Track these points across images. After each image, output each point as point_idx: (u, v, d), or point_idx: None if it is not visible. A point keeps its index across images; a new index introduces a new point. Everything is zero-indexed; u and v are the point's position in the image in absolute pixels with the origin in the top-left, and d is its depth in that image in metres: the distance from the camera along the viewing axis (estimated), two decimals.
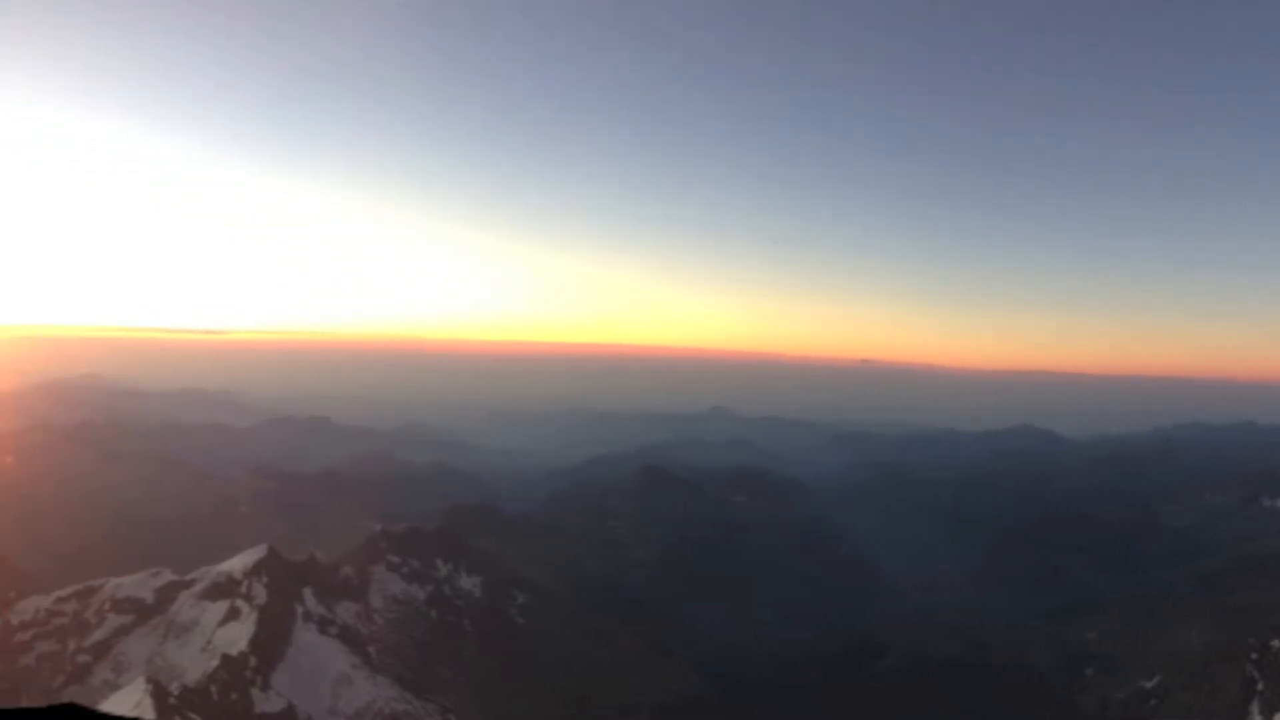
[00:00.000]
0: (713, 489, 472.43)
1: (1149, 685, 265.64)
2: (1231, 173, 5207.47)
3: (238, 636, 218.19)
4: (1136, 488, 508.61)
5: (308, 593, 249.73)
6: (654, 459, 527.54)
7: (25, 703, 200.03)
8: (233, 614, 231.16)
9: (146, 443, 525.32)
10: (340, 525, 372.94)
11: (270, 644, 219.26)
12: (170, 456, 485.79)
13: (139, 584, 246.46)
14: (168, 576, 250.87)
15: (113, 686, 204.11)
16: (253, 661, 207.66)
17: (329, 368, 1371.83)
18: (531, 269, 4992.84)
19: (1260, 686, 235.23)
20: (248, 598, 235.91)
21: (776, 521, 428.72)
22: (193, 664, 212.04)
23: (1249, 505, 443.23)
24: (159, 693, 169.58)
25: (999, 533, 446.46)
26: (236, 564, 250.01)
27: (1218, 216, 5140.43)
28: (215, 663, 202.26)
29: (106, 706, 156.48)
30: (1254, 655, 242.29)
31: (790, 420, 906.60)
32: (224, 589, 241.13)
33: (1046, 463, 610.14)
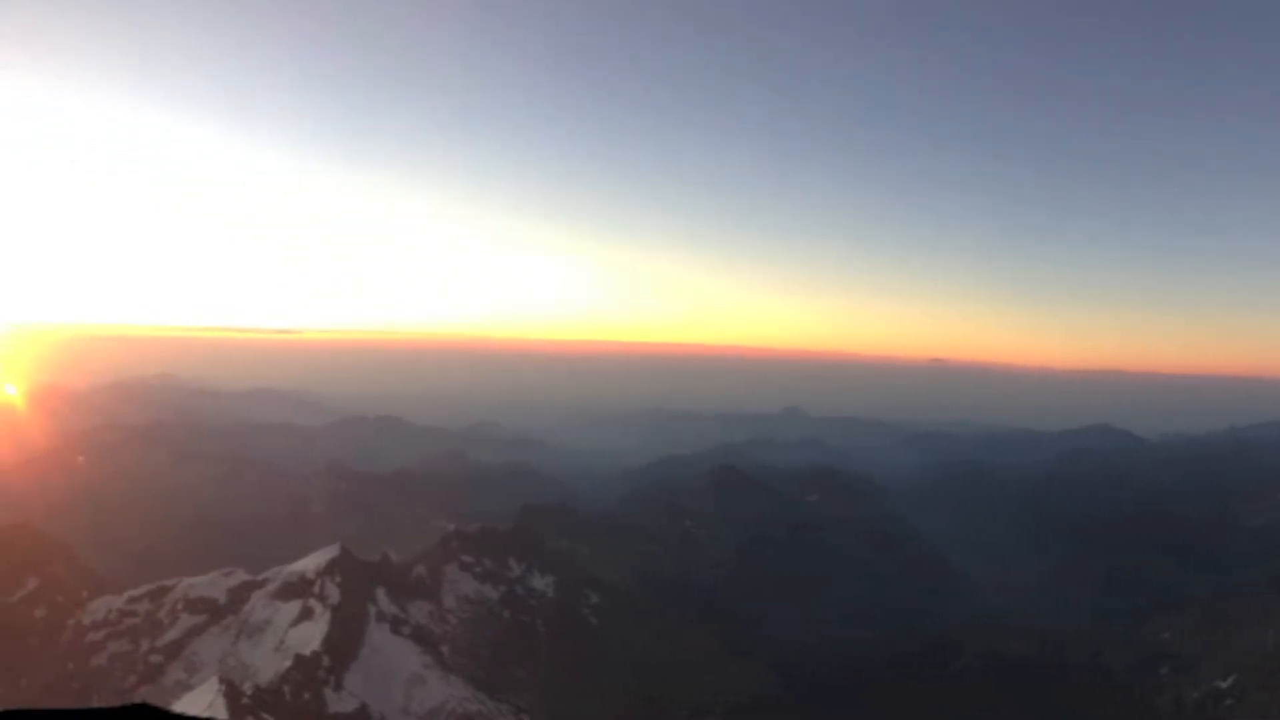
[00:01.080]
0: (786, 489, 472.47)
1: (1224, 685, 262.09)
2: None
3: (311, 636, 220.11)
4: (1212, 487, 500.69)
5: (381, 592, 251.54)
6: (728, 459, 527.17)
7: (97, 703, 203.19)
8: (306, 614, 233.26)
9: (219, 442, 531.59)
10: (413, 525, 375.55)
11: (343, 644, 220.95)
12: (243, 456, 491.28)
13: (212, 584, 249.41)
14: (240, 576, 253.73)
15: (185, 687, 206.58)
16: (326, 661, 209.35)
17: (401, 367, 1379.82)
18: (606, 268, 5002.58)
19: None
20: (321, 597, 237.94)
21: (850, 521, 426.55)
22: (265, 664, 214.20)
23: None
24: (232, 693, 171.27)
25: (1074, 532, 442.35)
26: (309, 564, 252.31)
27: None
28: (288, 663, 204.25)
29: (179, 707, 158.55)
30: None
31: (863, 420, 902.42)
32: (297, 589, 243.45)
33: (1121, 462, 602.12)
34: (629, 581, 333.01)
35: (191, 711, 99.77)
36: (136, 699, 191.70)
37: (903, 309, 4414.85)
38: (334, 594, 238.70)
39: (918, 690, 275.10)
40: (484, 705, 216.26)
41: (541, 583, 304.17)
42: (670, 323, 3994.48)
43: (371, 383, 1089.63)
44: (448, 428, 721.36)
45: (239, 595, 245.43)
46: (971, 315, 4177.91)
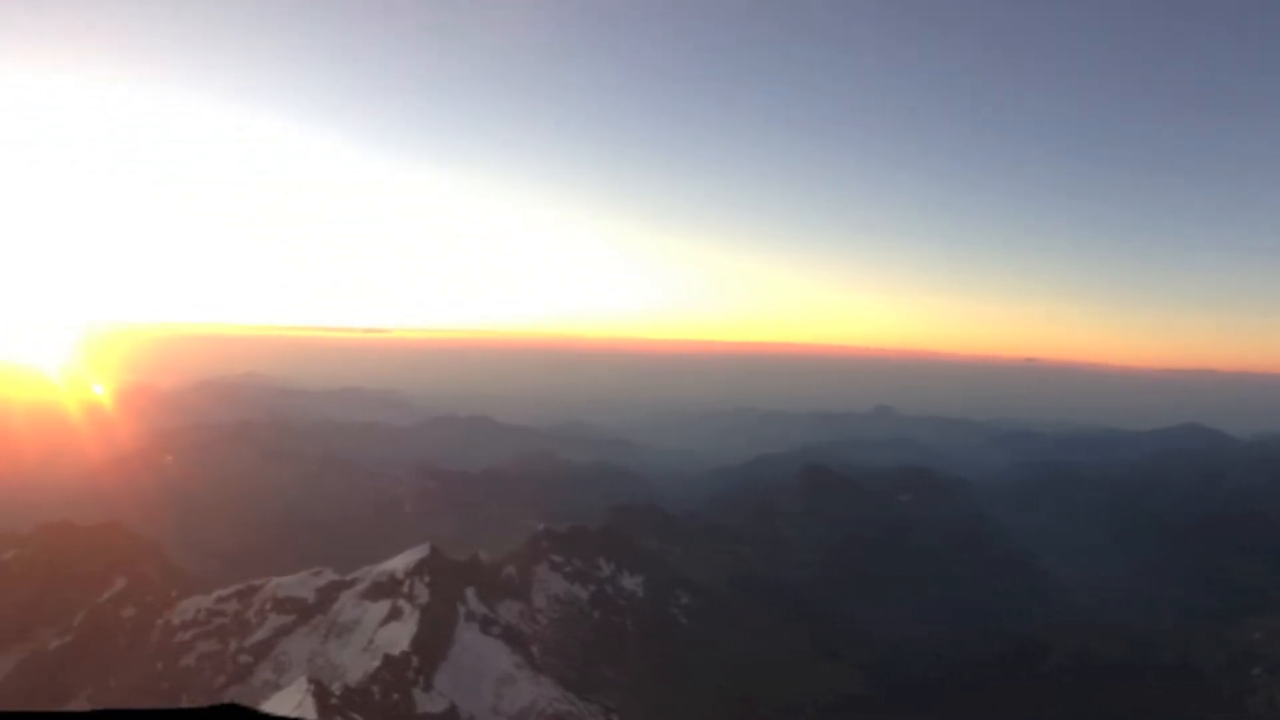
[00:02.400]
0: (876, 488, 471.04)
1: None
2: None
3: (400, 636, 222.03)
4: None
5: (470, 592, 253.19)
6: (818, 458, 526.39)
7: (186, 703, 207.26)
8: (395, 614, 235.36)
9: (307, 442, 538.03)
10: (502, 524, 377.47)
11: (432, 644, 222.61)
12: (331, 455, 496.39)
13: (300, 583, 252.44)
14: (329, 576, 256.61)
15: (274, 687, 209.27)
16: (415, 661, 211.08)
17: (490, 366, 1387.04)
18: (695, 267, 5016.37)
19: None
20: (410, 597, 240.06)
21: (940, 521, 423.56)
22: (354, 664, 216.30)
23: None
24: (321, 693, 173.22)
25: (1165, 532, 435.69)
26: (399, 563, 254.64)
27: None
28: (377, 663, 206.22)
29: (268, 707, 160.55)
30: None
31: (953, 419, 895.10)
32: (386, 588, 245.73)
33: (1213, 462, 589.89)
34: (718, 581, 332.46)
35: (280, 711, 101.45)
36: (225, 699, 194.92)
37: (995, 308, 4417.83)
38: (423, 594, 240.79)
39: (1007, 690, 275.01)
40: (574, 705, 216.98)
41: (631, 582, 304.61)
42: (761, 322, 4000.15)
43: (461, 382, 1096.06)
44: (537, 427, 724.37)
45: (328, 595, 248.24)
46: (1064, 315, 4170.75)
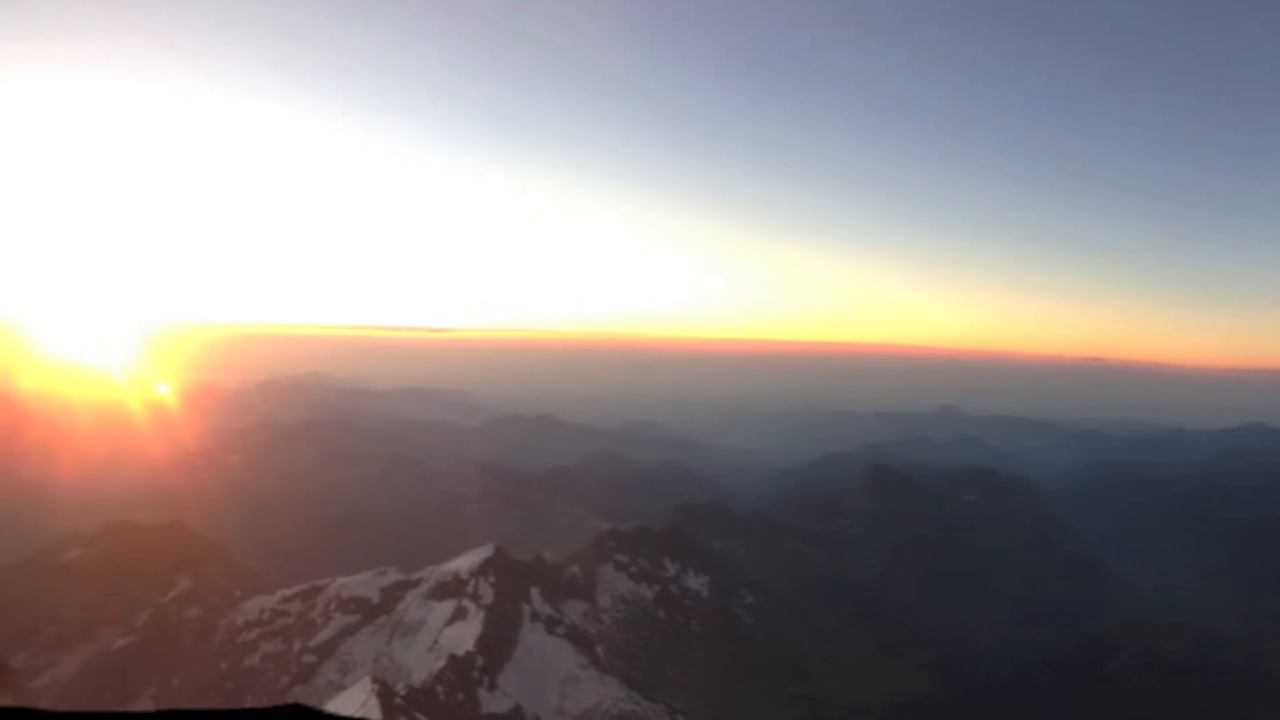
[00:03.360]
0: (941, 488, 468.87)
1: None
2: None
3: (464, 636, 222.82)
4: None
5: (535, 592, 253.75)
6: (883, 458, 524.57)
7: (250, 703, 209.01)
8: (459, 613, 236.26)
9: (372, 441, 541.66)
10: (567, 524, 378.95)
11: (497, 644, 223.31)
12: (396, 455, 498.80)
13: (365, 583, 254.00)
14: (394, 576, 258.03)
15: (338, 687, 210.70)
16: (480, 661, 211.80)
17: (556, 366, 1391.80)
18: (762, 266, 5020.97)
19: None
20: (475, 597, 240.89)
21: (1005, 521, 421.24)
22: (419, 664, 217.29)
23: None
24: (385, 693, 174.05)
25: (1233, 532, 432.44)
26: (463, 563, 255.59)
27: None
28: (442, 663, 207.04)
29: (332, 707, 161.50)
30: None
31: (1018, 419, 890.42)
32: (451, 588, 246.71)
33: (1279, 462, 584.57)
34: (783, 581, 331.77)
35: (345, 712, 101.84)
36: (289, 699, 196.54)
37: (1061, 308, 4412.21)
38: (488, 594, 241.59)
39: (1073, 690, 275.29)
40: (639, 706, 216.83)
41: (696, 582, 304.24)
42: (827, 321, 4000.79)
43: (526, 382, 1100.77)
44: (602, 427, 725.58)
45: (392, 595, 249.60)
46: (1129, 314, 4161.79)
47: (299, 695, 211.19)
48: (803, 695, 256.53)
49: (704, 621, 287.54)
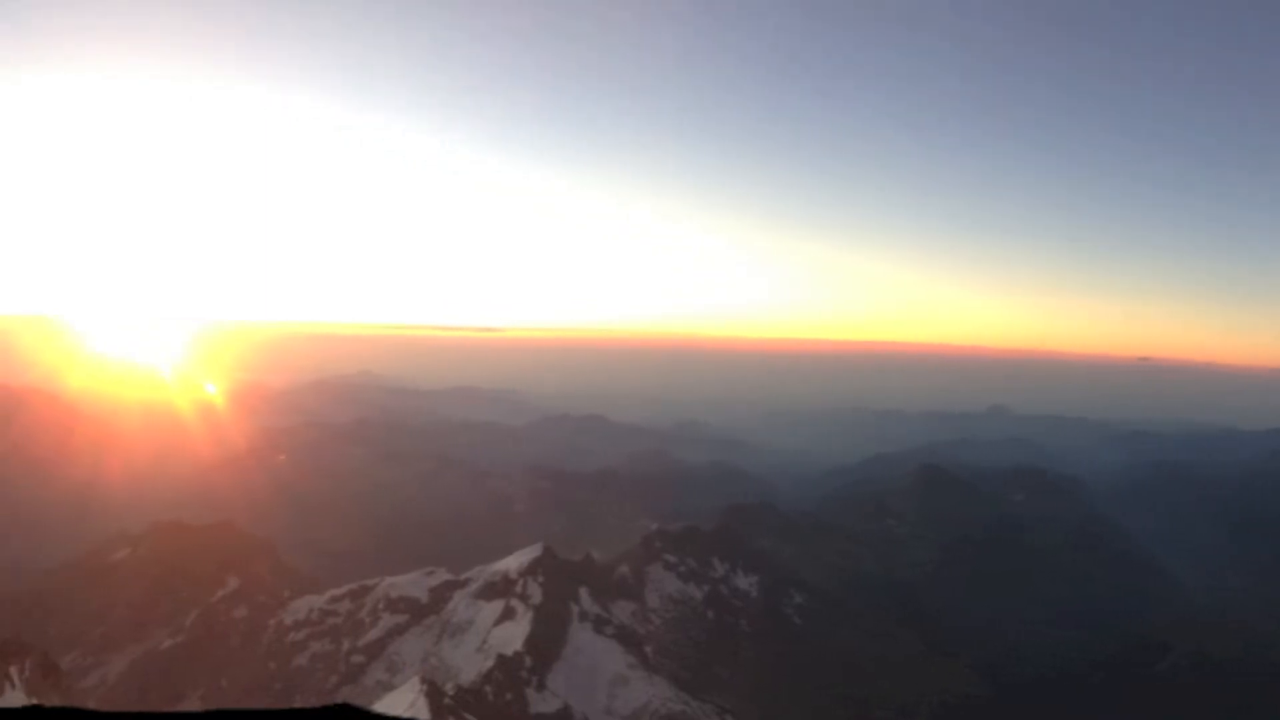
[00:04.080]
0: (990, 488, 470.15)
1: None
2: None
3: (513, 636, 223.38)
4: None
5: (584, 592, 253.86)
6: (931, 457, 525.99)
7: (299, 703, 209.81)
8: (508, 613, 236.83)
9: (421, 441, 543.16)
10: (616, 524, 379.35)
11: (546, 644, 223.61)
12: (445, 455, 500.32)
13: (413, 583, 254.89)
14: (443, 576, 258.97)
15: (387, 687, 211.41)
16: (528, 661, 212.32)
17: (604, 365, 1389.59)
18: (810, 266, 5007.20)
19: None
20: (523, 597, 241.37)
21: (1055, 520, 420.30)
22: (467, 664, 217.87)
23: None
24: (434, 693, 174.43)
25: None
26: (512, 563, 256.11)
27: None
28: (490, 663, 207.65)
29: (381, 707, 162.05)
30: None
31: (1067, 419, 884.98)
32: (499, 588, 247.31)
33: None
34: (833, 581, 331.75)
35: (393, 712, 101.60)
36: (338, 699, 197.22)
37: (1110, 307, 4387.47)
38: (537, 594, 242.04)
39: (1123, 690, 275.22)
40: (687, 705, 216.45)
41: (745, 582, 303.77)
42: (874, 321, 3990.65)
43: (575, 381, 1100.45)
44: (651, 426, 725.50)
45: (441, 595, 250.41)
46: (1179, 313, 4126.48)
47: (347, 695, 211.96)
48: (851, 695, 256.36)
49: (752, 621, 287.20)
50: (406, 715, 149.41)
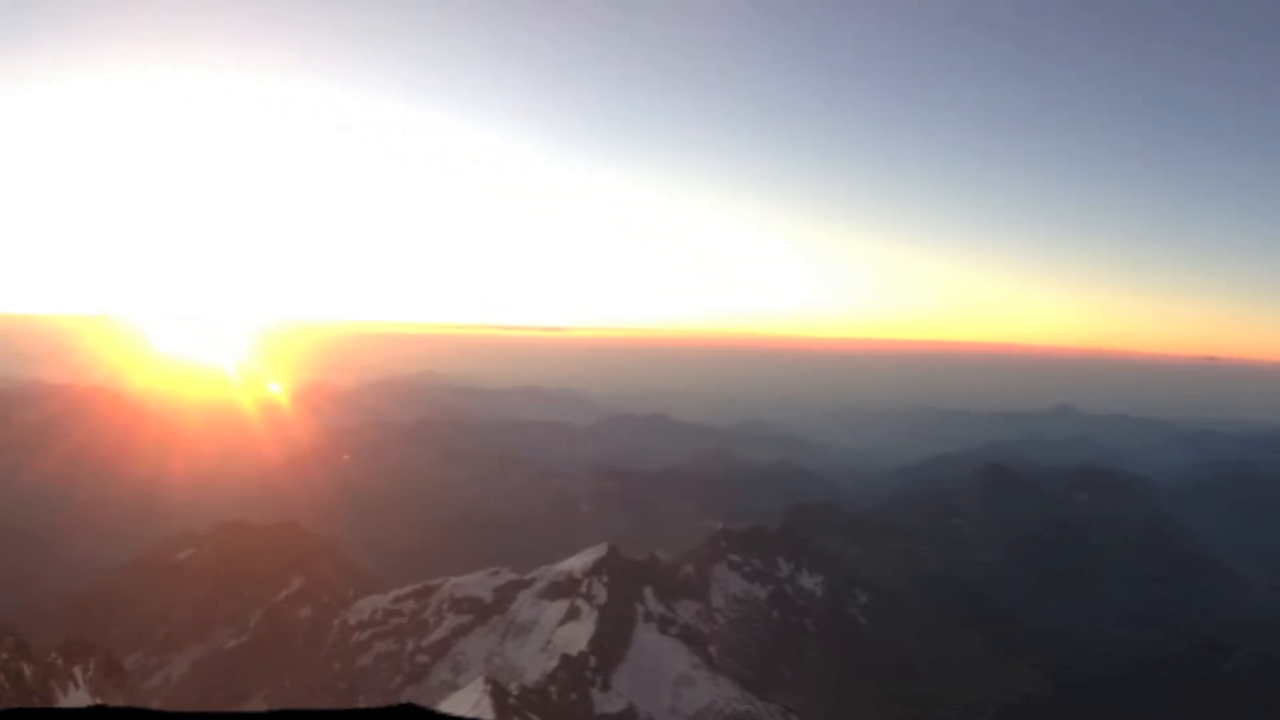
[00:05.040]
0: (1055, 487, 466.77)
1: None
2: None
3: (578, 636, 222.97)
4: None
5: (648, 592, 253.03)
6: (997, 457, 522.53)
7: (363, 703, 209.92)
8: (573, 613, 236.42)
9: (485, 441, 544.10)
10: (680, 524, 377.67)
11: (610, 644, 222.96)
12: (509, 454, 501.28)
13: (478, 583, 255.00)
14: (507, 576, 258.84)
15: (451, 687, 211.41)
16: (593, 661, 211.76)
17: (668, 365, 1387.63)
18: (875, 265, 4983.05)
19: None
20: (588, 597, 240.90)
21: (1120, 520, 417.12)
22: (532, 664, 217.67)
23: None
24: (498, 693, 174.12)
25: None
26: (576, 563, 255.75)
27: None
28: (555, 663, 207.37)
29: (445, 707, 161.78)
30: None
31: (1134, 418, 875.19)
32: (564, 588, 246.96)
33: None
34: (897, 581, 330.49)
35: (458, 712, 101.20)
36: (402, 699, 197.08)
37: (1176, 306, 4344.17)
38: (601, 593, 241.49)
39: (1188, 690, 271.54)
40: (752, 705, 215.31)
41: (810, 582, 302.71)
42: (939, 320, 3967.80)
43: (639, 380, 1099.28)
44: (715, 426, 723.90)
45: (505, 595, 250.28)
46: (1246, 313, 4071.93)
47: (412, 695, 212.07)
48: (915, 695, 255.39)
49: (817, 621, 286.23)
50: (471, 715, 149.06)
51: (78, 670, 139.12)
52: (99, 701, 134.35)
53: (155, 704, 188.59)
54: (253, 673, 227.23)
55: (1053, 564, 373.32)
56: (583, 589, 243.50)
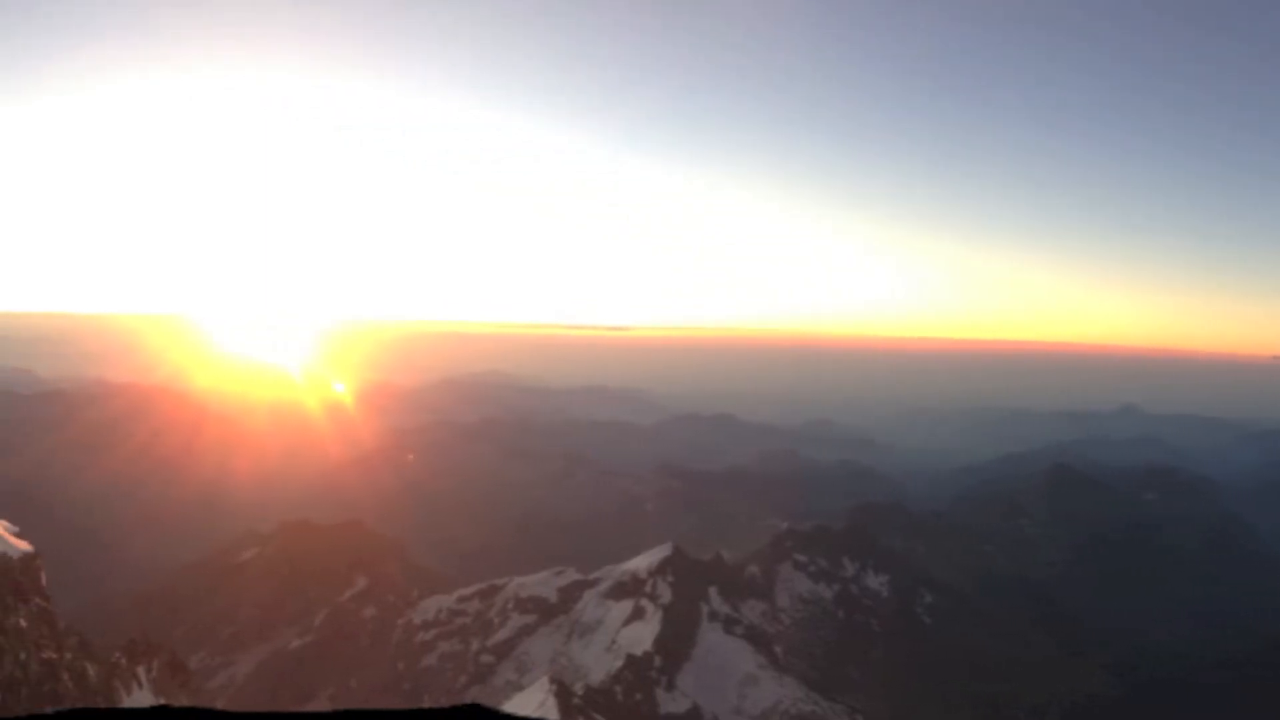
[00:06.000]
0: (1122, 487, 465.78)
1: None
2: None
3: (643, 636, 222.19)
4: None
5: (713, 592, 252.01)
6: (1062, 457, 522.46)
7: (428, 703, 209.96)
8: (638, 613, 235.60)
9: (550, 440, 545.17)
10: (746, 523, 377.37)
11: (675, 643, 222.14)
12: (574, 454, 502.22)
13: (542, 583, 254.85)
14: (571, 575, 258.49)
15: (515, 687, 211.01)
16: (658, 661, 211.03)
17: (734, 364, 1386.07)
18: (941, 265, 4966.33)
19: None
20: (653, 597, 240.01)
21: (1187, 520, 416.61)
22: (597, 664, 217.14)
23: None
24: (563, 693, 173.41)
25: None
26: (641, 563, 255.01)
27: None
28: (620, 663, 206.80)
29: (510, 707, 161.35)
30: None
31: (1200, 418, 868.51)
32: (629, 588, 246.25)
33: None
34: (963, 581, 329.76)
35: (522, 712, 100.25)
36: (467, 699, 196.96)
37: (1245, 306, 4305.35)
38: (666, 593, 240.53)
39: (1254, 690, 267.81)
40: (818, 705, 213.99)
41: (876, 582, 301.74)
42: (1005, 320, 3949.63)
43: (704, 380, 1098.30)
44: (781, 425, 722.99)
45: (570, 594, 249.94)
46: None
47: (476, 695, 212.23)
48: (981, 695, 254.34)
49: (883, 621, 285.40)
50: (536, 716, 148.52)
51: (141, 670, 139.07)
52: (163, 701, 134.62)
53: (219, 704, 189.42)
54: (317, 672, 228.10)
55: (1119, 564, 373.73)
56: (648, 589, 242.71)
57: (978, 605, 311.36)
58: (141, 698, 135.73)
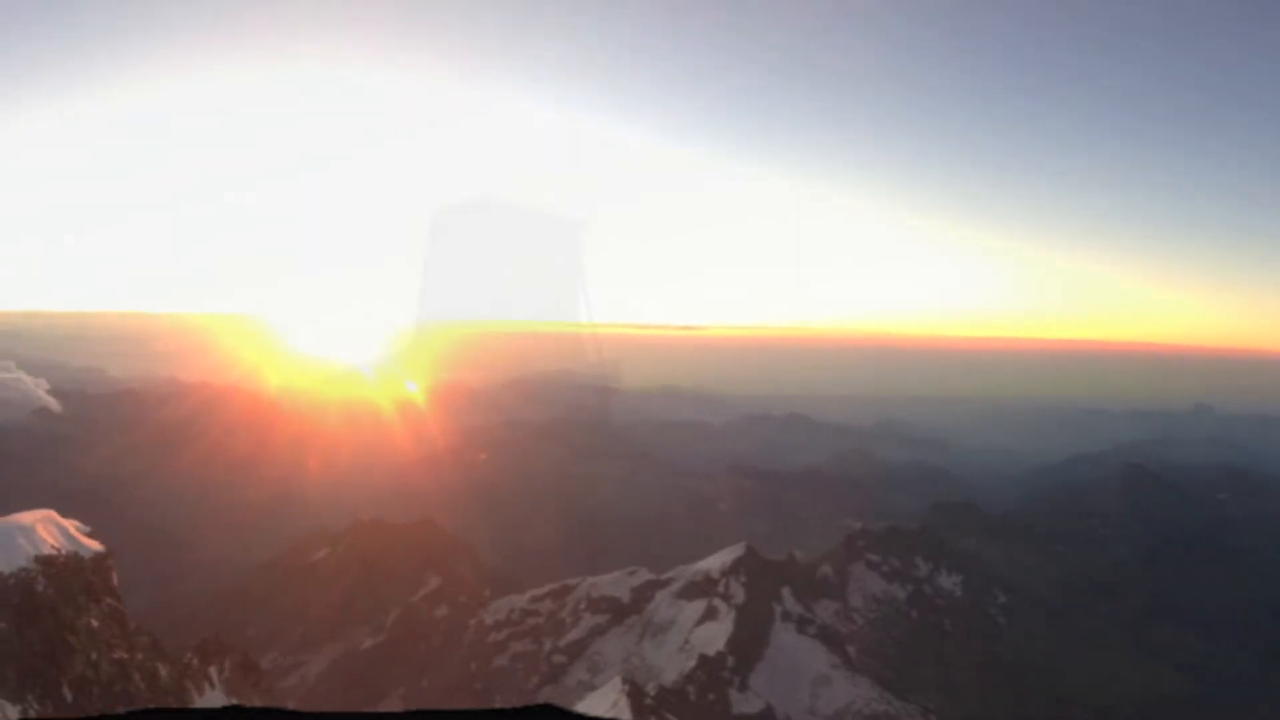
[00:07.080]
0: (1195, 488, 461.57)
1: None
2: None
3: (715, 636, 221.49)
4: None
5: (786, 592, 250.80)
6: (1135, 457, 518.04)
7: (500, 703, 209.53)
8: (710, 613, 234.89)
9: (621, 440, 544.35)
10: (819, 523, 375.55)
11: (748, 644, 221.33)
12: (645, 454, 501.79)
13: (615, 583, 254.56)
14: (644, 575, 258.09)
15: (588, 687, 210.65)
16: (730, 661, 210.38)
17: (806, 363, 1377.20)
18: (1013, 263, 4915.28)
19: None
20: (725, 597, 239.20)
21: (1261, 521, 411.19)
22: (669, 664, 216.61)
23: None
24: (635, 693, 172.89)
25: None
26: (714, 563, 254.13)
27: None
28: (692, 663, 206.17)
29: (582, 707, 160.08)
30: None
31: (1275, 418, 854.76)
32: (701, 588, 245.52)
33: None
34: (1036, 581, 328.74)
35: (595, 712, 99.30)
36: (539, 699, 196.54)
37: None
38: (739, 593, 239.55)
39: None
40: (891, 706, 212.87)
41: (949, 582, 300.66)
42: (1077, 319, 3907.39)
43: (776, 379, 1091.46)
44: (854, 425, 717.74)
45: (643, 594, 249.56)
46: None
47: (548, 695, 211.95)
48: (1055, 695, 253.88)
49: (956, 621, 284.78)
50: (608, 716, 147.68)
51: (213, 670, 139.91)
52: (234, 702, 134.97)
53: (291, 704, 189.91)
54: (389, 672, 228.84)
55: (1191, 564, 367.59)
56: (720, 589, 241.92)
57: (1050, 606, 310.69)
58: (214, 698, 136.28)
